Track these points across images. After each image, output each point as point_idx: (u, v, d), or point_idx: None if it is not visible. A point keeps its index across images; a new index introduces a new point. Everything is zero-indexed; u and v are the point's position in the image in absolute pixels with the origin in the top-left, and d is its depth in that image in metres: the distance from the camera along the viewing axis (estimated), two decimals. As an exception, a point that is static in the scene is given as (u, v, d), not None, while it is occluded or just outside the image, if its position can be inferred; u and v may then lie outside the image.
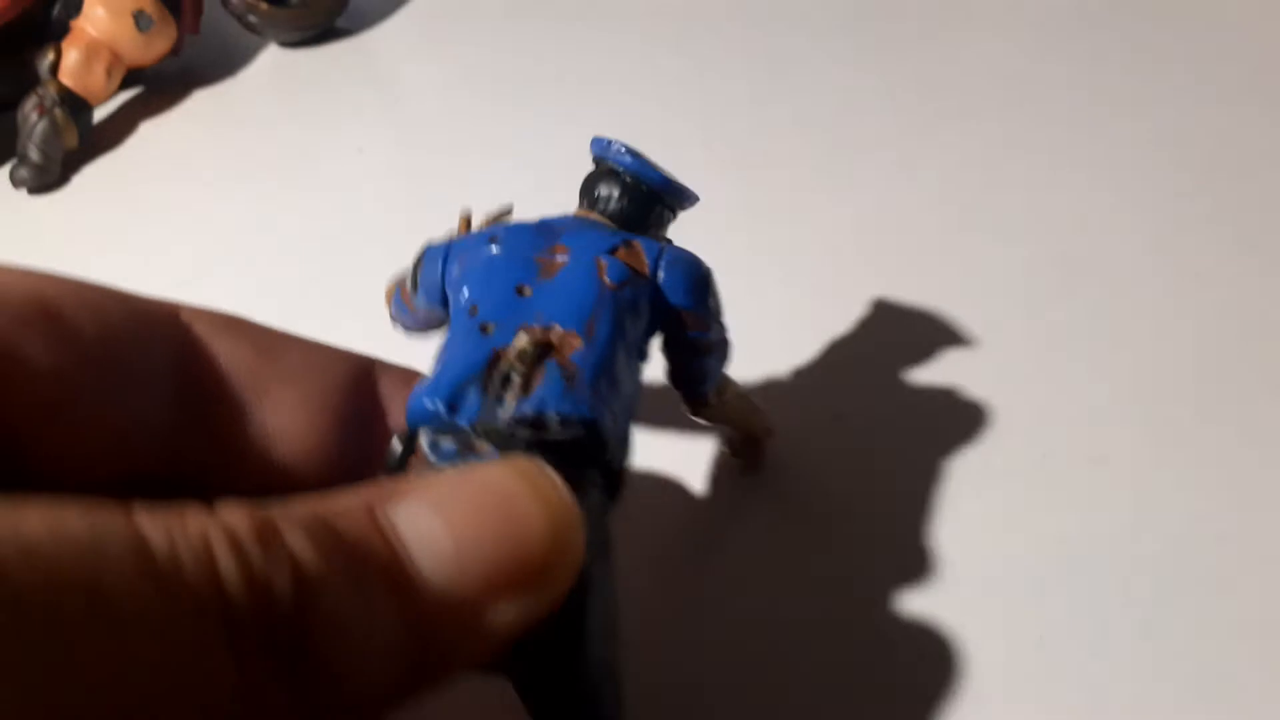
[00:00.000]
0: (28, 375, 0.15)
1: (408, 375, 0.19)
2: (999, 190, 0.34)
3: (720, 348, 0.21)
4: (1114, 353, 0.27)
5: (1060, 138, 0.36)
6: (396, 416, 0.18)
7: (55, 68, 0.44)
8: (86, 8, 0.45)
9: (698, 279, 0.19)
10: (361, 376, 0.19)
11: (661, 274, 0.19)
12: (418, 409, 0.16)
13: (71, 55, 0.44)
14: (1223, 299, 0.28)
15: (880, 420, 0.26)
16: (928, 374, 0.27)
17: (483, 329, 0.17)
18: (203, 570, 0.10)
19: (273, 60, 0.50)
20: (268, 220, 0.39)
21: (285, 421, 0.17)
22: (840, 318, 0.29)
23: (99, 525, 0.10)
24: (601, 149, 0.21)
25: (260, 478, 0.17)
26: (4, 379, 0.14)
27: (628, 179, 0.20)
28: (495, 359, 0.17)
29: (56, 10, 0.46)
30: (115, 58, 0.45)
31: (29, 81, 0.46)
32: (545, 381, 0.16)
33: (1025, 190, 0.33)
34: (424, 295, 0.20)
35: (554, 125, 0.40)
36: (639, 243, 0.19)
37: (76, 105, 0.44)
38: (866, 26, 0.44)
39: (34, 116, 0.44)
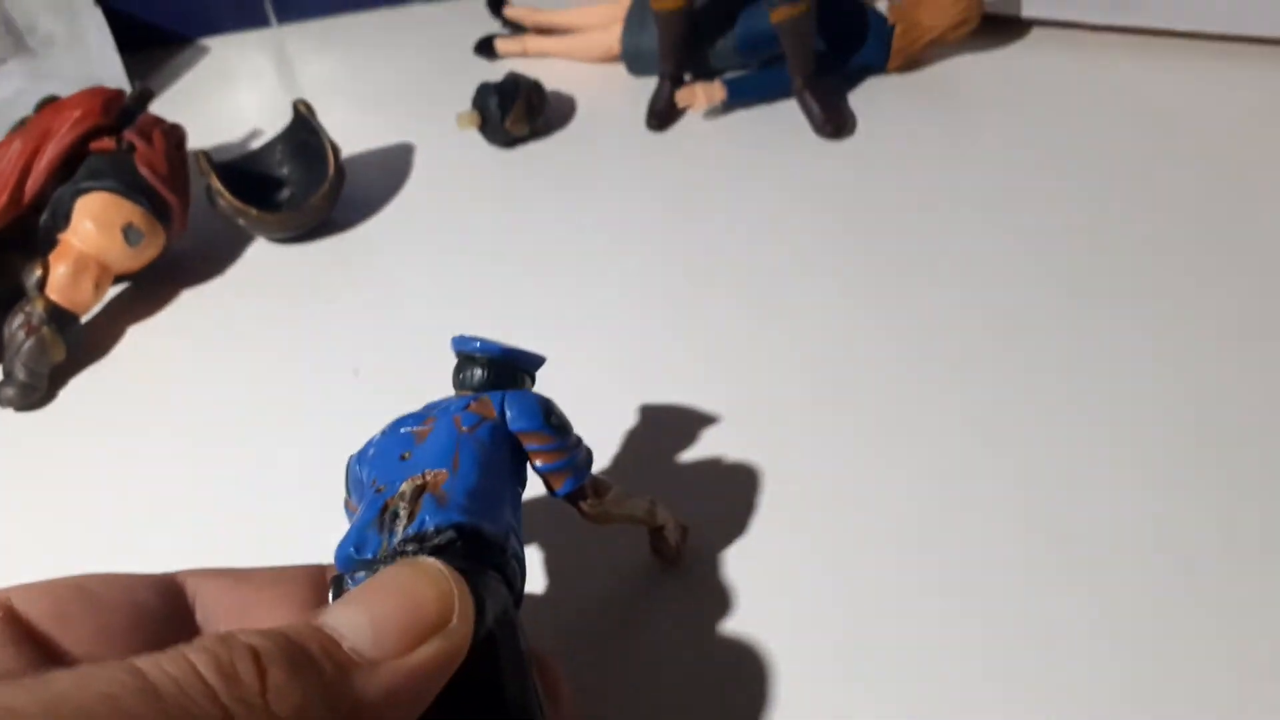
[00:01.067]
0: (72, 643, 0.20)
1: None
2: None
3: (572, 451, 0.25)
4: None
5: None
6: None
7: (43, 283, 0.43)
8: (75, 221, 0.44)
9: (535, 405, 0.24)
10: (317, 576, 0.24)
11: (507, 411, 0.24)
12: (338, 557, 0.21)
13: (59, 270, 0.44)
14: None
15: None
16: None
17: (377, 491, 0.22)
18: (187, 676, 0.15)
19: (261, 256, 0.49)
20: (253, 432, 0.38)
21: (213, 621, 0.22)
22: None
23: (112, 674, 0.14)
24: (458, 343, 0.25)
25: None
26: (52, 649, 0.20)
27: (480, 358, 0.25)
28: (385, 506, 0.21)
29: (44, 220, 0.45)
30: (104, 270, 0.44)
31: (11, 285, 0.45)
32: (423, 508, 0.21)
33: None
34: (354, 497, 0.25)
35: (542, 311, 0.40)
36: (487, 396, 0.24)
37: (64, 319, 0.43)
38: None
39: (21, 335, 0.43)
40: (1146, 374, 0.34)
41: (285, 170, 0.51)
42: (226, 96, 0.64)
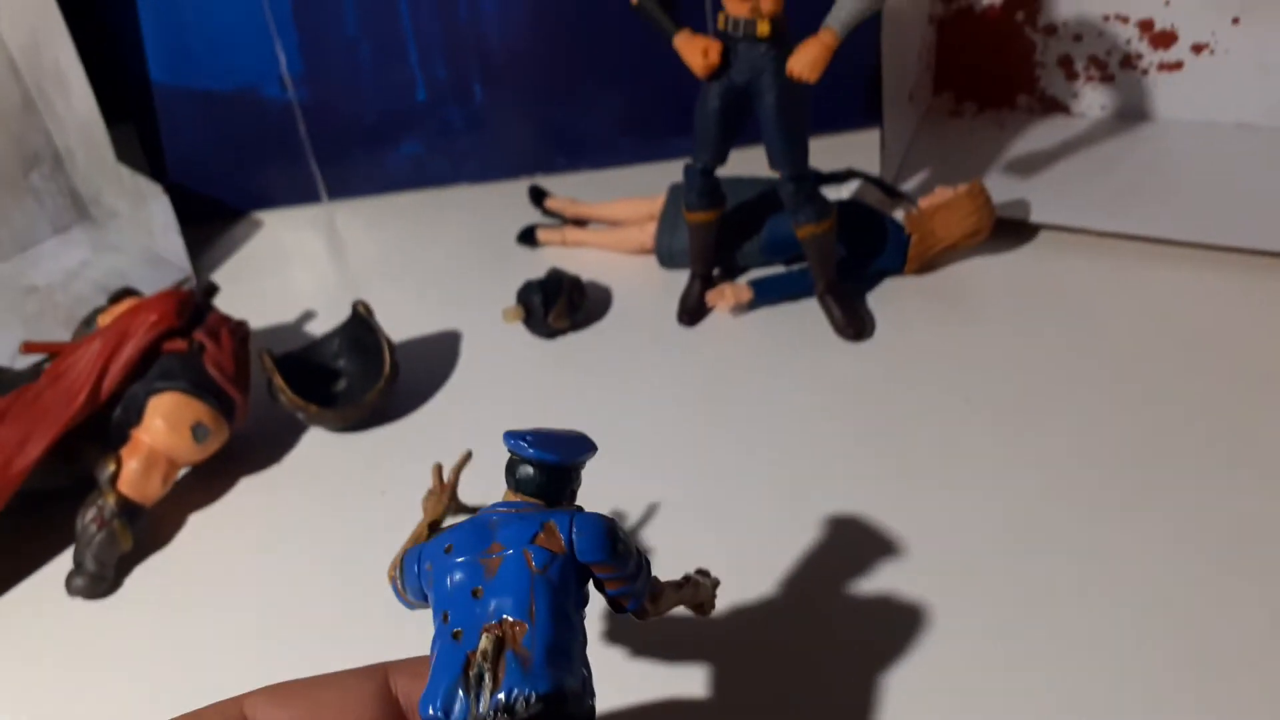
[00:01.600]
0: None
1: (412, 666, 0.24)
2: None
3: (635, 578, 0.25)
4: None
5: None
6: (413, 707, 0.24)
7: (115, 478, 0.46)
8: (147, 418, 0.47)
9: (603, 536, 0.24)
10: (383, 684, 0.24)
11: (576, 543, 0.23)
12: (424, 713, 0.22)
13: (131, 465, 0.47)
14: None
15: None
16: None
17: (454, 636, 0.22)
18: None
19: (317, 444, 0.52)
20: (311, 618, 0.41)
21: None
22: None
23: None
24: (512, 443, 0.25)
25: None
26: None
27: (533, 463, 0.25)
28: (468, 662, 0.21)
29: (117, 415, 0.48)
30: (172, 465, 0.47)
31: (83, 471, 0.48)
32: (508, 672, 0.21)
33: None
34: (410, 593, 0.25)
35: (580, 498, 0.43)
36: (553, 522, 0.24)
37: (133, 512, 0.46)
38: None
39: (93, 528, 0.45)
40: (1162, 576, 0.37)
41: (342, 363, 0.54)
42: (280, 271, 0.68)
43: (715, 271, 0.59)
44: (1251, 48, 0.63)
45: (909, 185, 0.64)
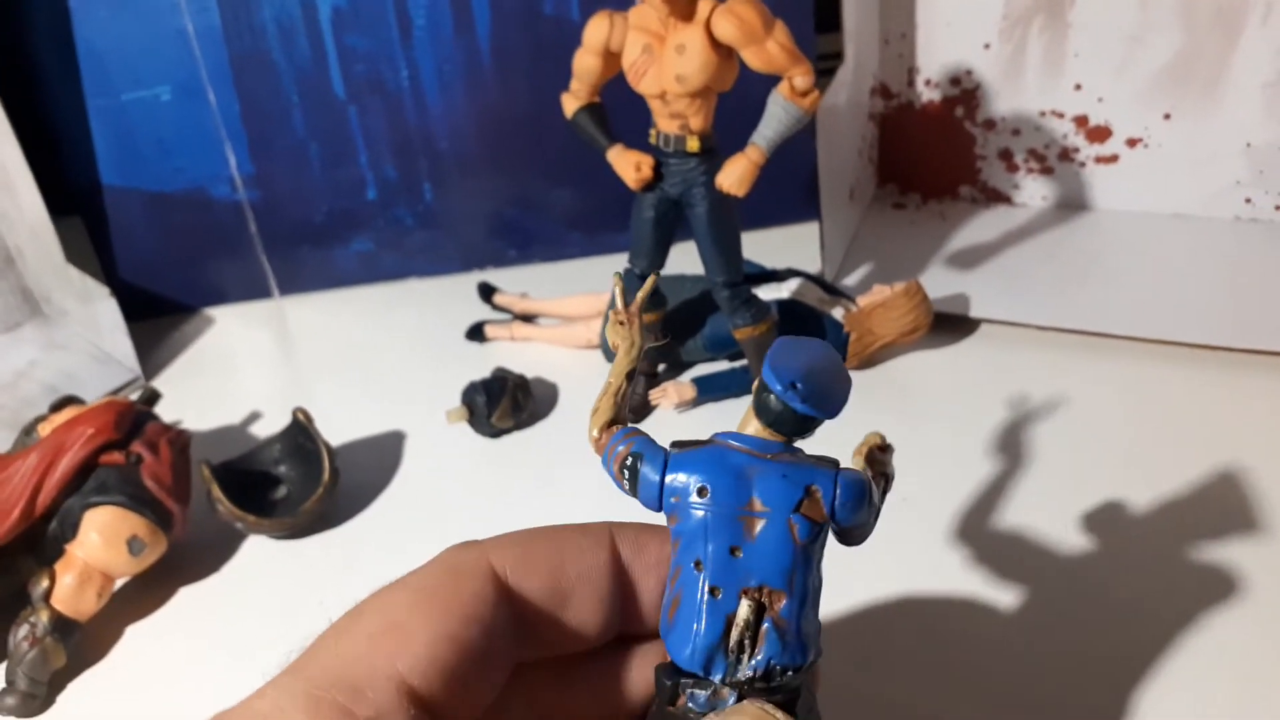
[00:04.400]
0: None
1: (632, 530, 0.26)
2: None
3: (873, 524, 0.25)
4: None
5: None
6: (637, 569, 0.26)
7: (48, 594, 0.46)
8: (81, 533, 0.47)
9: (864, 502, 0.24)
10: (611, 542, 0.26)
11: (838, 511, 0.24)
12: (679, 654, 0.23)
13: (65, 581, 0.46)
14: None
15: None
16: None
17: (712, 592, 0.23)
18: None
19: (256, 552, 0.52)
20: None
21: (648, 593, 0.26)
22: None
23: None
24: (783, 393, 0.24)
25: (641, 626, 0.26)
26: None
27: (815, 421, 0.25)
28: (728, 626, 0.23)
29: (52, 528, 0.48)
30: (107, 580, 0.47)
31: (15, 586, 0.48)
32: (767, 641, 0.23)
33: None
34: (642, 499, 0.25)
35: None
36: (818, 488, 0.24)
37: (67, 628, 0.46)
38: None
39: (25, 645, 0.45)
40: (1097, 671, 0.37)
41: (282, 469, 0.54)
42: (228, 369, 0.68)
43: (660, 367, 0.59)
44: (1182, 142, 0.64)
45: (853, 279, 0.65)
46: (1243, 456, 0.48)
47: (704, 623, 0.23)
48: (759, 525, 0.23)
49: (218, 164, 0.68)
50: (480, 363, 0.62)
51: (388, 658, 0.22)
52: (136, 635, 0.48)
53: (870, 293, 0.57)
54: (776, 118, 0.46)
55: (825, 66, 0.67)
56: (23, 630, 0.45)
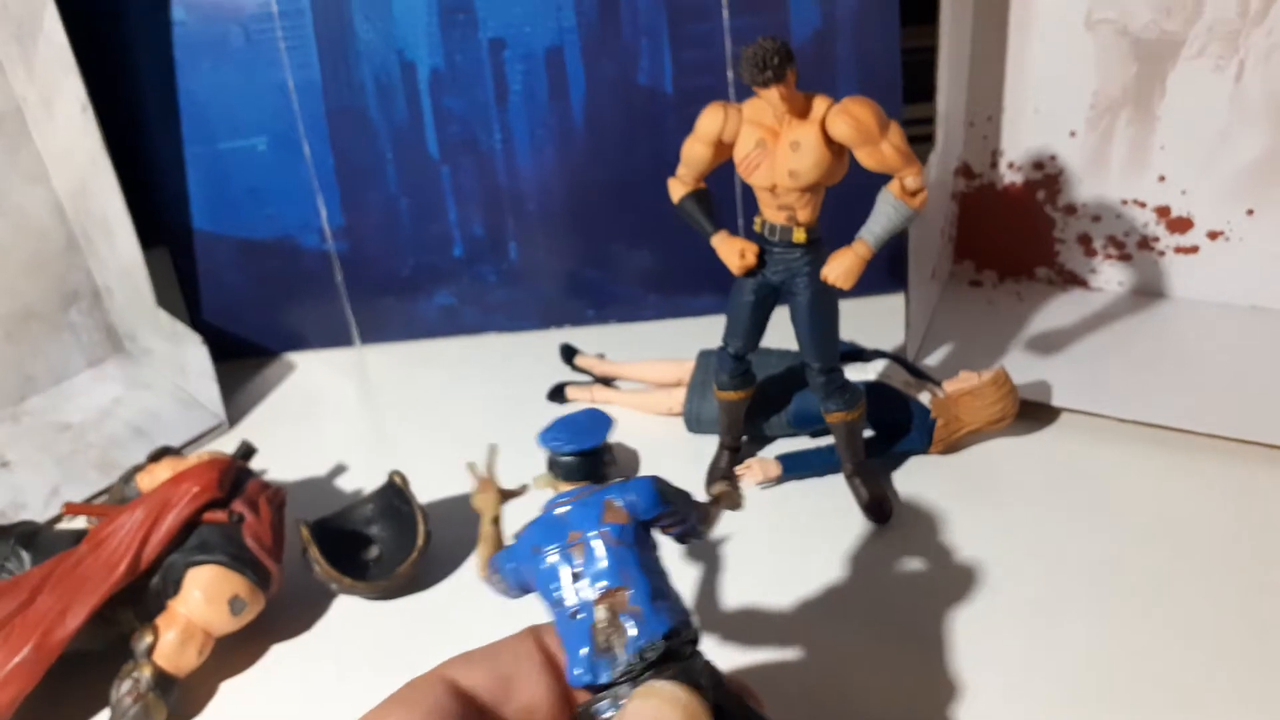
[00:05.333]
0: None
1: (550, 628, 0.30)
2: None
3: (688, 515, 0.31)
4: None
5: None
6: (558, 655, 0.30)
7: (151, 649, 0.47)
8: (185, 590, 0.48)
9: (654, 494, 0.29)
10: (538, 642, 0.30)
11: (637, 510, 0.29)
12: (579, 683, 0.27)
13: (168, 637, 0.47)
14: None
15: None
16: None
17: (573, 616, 0.27)
18: None
19: (348, 612, 0.53)
20: None
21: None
22: None
23: None
24: (551, 444, 0.33)
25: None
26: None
27: (571, 459, 0.33)
28: (594, 633, 0.27)
29: (154, 583, 0.49)
30: (208, 638, 0.48)
31: (117, 636, 0.48)
32: (629, 629, 0.27)
33: None
34: (512, 589, 0.31)
35: None
36: (610, 498, 0.29)
37: (167, 684, 0.47)
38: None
39: (128, 701, 0.46)
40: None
41: (375, 529, 0.55)
42: (312, 416, 0.69)
43: (744, 438, 0.60)
44: (1264, 237, 0.65)
45: (932, 358, 0.65)
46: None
47: (578, 641, 0.27)
48: (582, 548, 0.28)
49: (309, 214, 0.69)
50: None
51: None
52: (230, 691, 0.49)
53: (958, 379, 0.58)
54: (886, 215, 0.47)
55: (910, 134, 0.69)
56: (126, 685, 0.46)
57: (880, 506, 0.54)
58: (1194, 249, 0.67)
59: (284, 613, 0.53)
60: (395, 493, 0.54)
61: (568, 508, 0.29)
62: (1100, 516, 0.53)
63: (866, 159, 0.46)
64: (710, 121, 0.49)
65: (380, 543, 0.55)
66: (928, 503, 0.55)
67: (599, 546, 0.28)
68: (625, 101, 0.66)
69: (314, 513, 0.55)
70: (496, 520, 0.35)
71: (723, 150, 0.49)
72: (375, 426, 0.68)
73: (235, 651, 0.51)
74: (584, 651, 0.27)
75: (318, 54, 0.65)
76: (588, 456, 0.32)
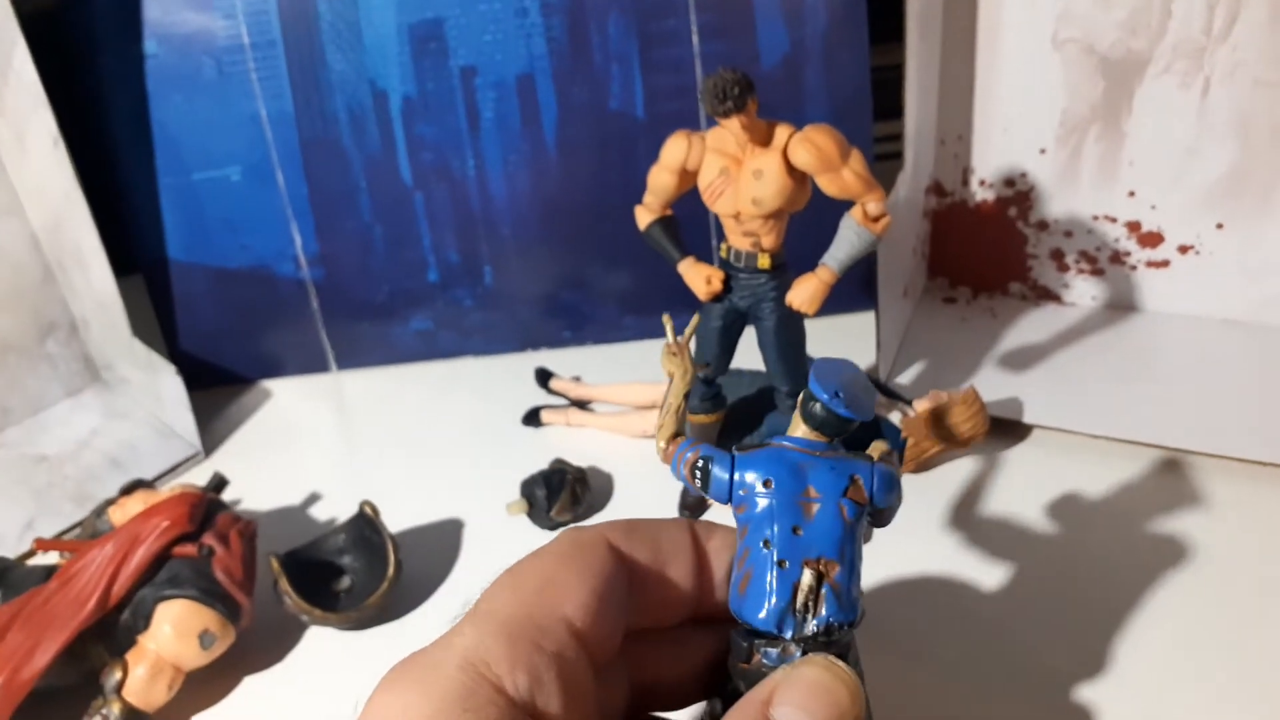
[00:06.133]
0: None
1: (710, 526, 0.32)
2: None
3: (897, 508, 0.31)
4: None
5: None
6: (710, 551, 0.31)
7: (120, 685, 0.47)
8: (154, 625, 0.48)
9: (896, 489, 0.30)
10: (694, 533, 0.32)
11: (875, 495, 0.30)
12: (751, 618, 0.28)
13: (137, 673, 0.47)
14: None
15: None
16: None
17: (780, 565, 0.28)
18: None
19: (319, 643, 0.53)
20: None
21: (718, 572, 0.31)
22: None
23: None
24: (828, 400, 0.29)
25: (710, 606, 0.31)
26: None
27: (853, 422, 0.30)
28: (794, 591, 0.28)
29: (124, 618, 0.49)
30: (178, 673, 0.48)
31: (85, 670, 0.48)
32: (827, 603, 0.28)
33: None
34: (713, 495, 0.30)
35: None
36: (859, 477, 0.29)
37: (136, 719, 0.47)
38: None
39: (97, 740, 0.46)
40: None
41: (346, 559, 0.55)
42: (287, 444, 0.69)
43: (715, 462, 0.60)
44: (1234, 251, 0.65)
45: (905, 375, 0.66)
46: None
47: (775, 590, 0.28)
48: (815, 508, 0.29)
49: (283, 243, 0.70)
50: (537, 448, 0.63)
51: (555, 605, 0.27)
52: (202, 724, 0.49)
53: (927, 398, 0.58)
54: (849, 241, 0.47)
55: (880, 150, 0.69)
56: (95, 722, 0.46)
57: (852, 528, 0.54)
58: (1165, 263, 0.67)
59: (255, 645, 0.52)
60: (366, 522, 0.54)
61: (811, 461, 0.30)
62: (1072, 533, 0.53)
63: (828, 186, 0.47)
64: (674, 150, 0.49)
65: (352, 573, 0.55)
66: (897, 522, 0.55)
67: (832, 515, 0.29)
68: (597, 127, 0.67)
69: (287, 543, 0.55)
70: (686, 396, 0.34)
71: (687, 178, 0.49)
72: (351, 453, 0.68)
73: (206, 685, 0.51)
74: (777, 601, 0.28)
75: (290, 85, 0.66)
76: (853, 424, 0.30)
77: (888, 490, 0.30)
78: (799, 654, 0.28)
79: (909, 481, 0.58)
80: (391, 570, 0.52)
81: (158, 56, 0.65)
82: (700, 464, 0.30)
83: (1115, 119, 0.64)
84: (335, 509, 0.61)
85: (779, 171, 0.46)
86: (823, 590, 0.28)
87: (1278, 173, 0.62)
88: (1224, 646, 0.46)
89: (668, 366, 0.35)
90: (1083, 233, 0.68)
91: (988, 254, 0.71)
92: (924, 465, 0.58)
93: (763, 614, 0.28)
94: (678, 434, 0.32)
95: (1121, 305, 0.70)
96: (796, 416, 0.30)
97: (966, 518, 0.55)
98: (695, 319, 0.37)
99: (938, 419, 0.57)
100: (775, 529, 0.29)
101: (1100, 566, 0.51)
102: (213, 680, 0.51)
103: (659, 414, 0.33)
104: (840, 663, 0.27)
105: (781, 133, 0.47)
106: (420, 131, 0.67)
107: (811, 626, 0.28)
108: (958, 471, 0.59)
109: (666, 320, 0.36)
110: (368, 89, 0.66)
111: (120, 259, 0.65)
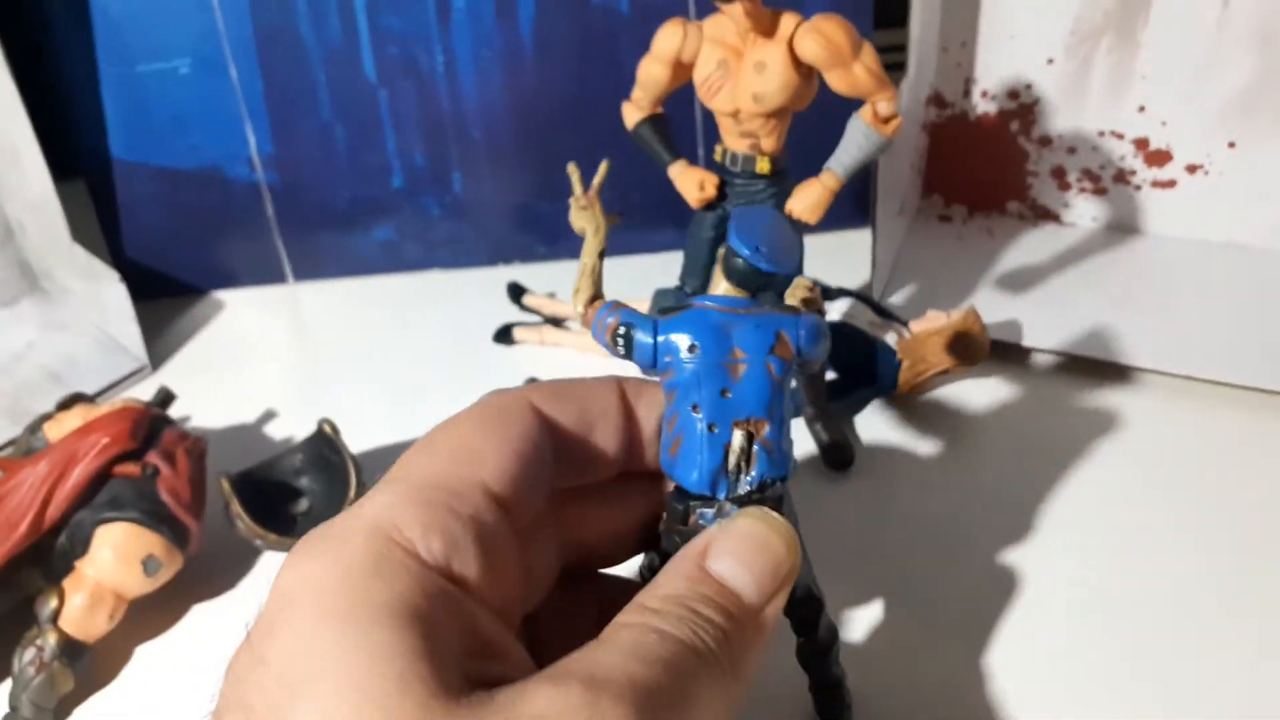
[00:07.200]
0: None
1: (637, 382, 0.31)
2: None
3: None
4: None
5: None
6: (640, 410, 0.30)
7: (57, 614, 0.43)
8: (94, 550, 0.44)
9: (823, 340, 0.30)
10: (620, 389, 0.30)
11: (803, 349, 0.29)
12: (687, 481, 0.28)
13: (75, 601, 0.43)
14: None
15: None
16: None
17: (710, 429, 0.28)
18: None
19: (273, 568, 0.49)
20: None
21: (648, 430, 0.30)
22: None
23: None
24: (749, 254, 0.28)
25: (641, 462, 0.31)
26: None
27: (767, 274, 0.29)
28: (725, 453, 0.28)
29: (61, 543, 0.45)
30: (119, 601, 0.44)
31: (20, 598, 0.45)
32: (758, 461, 0.28)
33: None
34: (637, 362, 0.29)
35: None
36: (784, 332, 0.29)
37: (75, 651, 0.43)
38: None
39: (31, 671, 0.42)
40: None
41: (304, 481, 0.51)
42: (240, 360, 0.65)
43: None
44: (1245, 172, 0.62)
45: (899, 295, 0.62)
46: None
47: (706, 453, 0.28)
48: (742, 369, 0.28)
49: (236, 143, 0.65)
50: (509, 367, 0.60)
51: (472, 470, 0.26)
52: (147, 655, 0.46)
53: (925, 318, 0.54)
54: (856, 144, 0.44)
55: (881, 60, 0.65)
56: (29, 654, 0.43)
57: (841, 452, 0.51)
58: (1171, 183, 0.64)
59: (205, 572, 0.49)
60: (325, 442, 0.51)
61: (735, 320, 0.29)
62: (1071, 460, 0.51)
63: (837, 82, 0.43)
64: (668, 40, 0.45)
65: (310, 495, 0.51)
66: (892, 447, 0.53)
67: (759, 375, 0.28)
68: (578, 20, 0.62)
69: (239, 463, 0.51)
70: (602, 254, 0.32)
71: (681, 72, 0.45)
72: (308, 370, 0.64)
73: (151, 614, 0.47)
74: (708, 464, 0.28)
75: (243, -35, 0.60)
76: (775, 277, 0.29)
77: (814, 342, 0.29)
78: (733, 511, 0.28)
79: (903, 406, 0.55)
80: (353, 492, 0.49)
81: (97, -68, 0.60)
82: (622, 330, 0.29)
83: (1130, 28, 0.61)
84: (292, 428, 0.58)
85: (784, 65, 0.42)
86: (754, 449, 0.28)
87: (1297, 90, 0.59)
88: (1228, 575, 0.44)
89: (578, 222, 0.33)
90: (1087, 149, 0.65)
91: (986, 170, 0.68)
92: (920, 389, 0.55)
93: (695, 476, 0.28)
94: (596, 297, 0.31)
95: (1123, 227, 0.67)
96: (717, 274, 0.30)
97: (963, 444, 0.53)
98: (604, 165, 0.35)
99: (959, 338, 0.53)
100: (703, 393, 0.28)
101: (1101, 492, 0.49)
102: (158, 609, 0.47)
103: (577, 278, 0.31)
104: (775, 514, 0.27)
105: (788, 22, 0.42)
106: (385, 22, 0.62)
107: (744, 485, 0.28)
108: (956, 395, 0.56)
109: (573, 170, 0.34)
110: (329, -27, 0.61)
111: (60, 159, 0.60)
